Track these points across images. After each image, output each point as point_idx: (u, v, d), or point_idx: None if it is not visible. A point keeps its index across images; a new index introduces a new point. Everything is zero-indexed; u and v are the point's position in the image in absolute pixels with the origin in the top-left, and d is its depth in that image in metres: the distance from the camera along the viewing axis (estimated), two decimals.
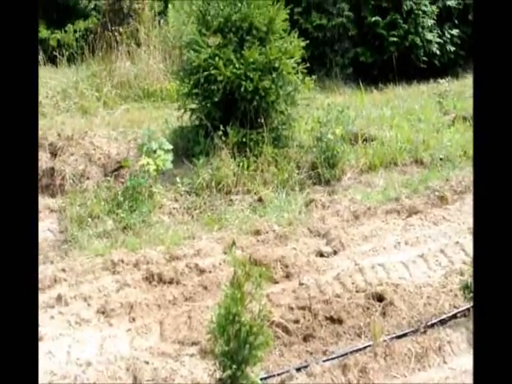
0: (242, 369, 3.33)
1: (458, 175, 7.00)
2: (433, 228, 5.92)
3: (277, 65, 7.26)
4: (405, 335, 4.18)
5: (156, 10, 11.60)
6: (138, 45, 10.85)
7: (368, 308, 4.53)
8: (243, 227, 5.92)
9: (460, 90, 10.43)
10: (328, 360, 3.96)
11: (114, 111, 9.34)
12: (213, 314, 3.37)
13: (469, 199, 6.44)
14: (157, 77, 10.40)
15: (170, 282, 4.92)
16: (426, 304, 4.58)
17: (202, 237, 5.76)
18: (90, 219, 5.99)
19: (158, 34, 11.17)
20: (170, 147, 6.64)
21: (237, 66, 7.07)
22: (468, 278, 4.43)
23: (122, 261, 5.16)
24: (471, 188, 6.59)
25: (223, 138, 7.01)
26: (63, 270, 5.02)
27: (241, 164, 6.87)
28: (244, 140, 7.11)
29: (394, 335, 4.18)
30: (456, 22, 13.05)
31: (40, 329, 4.19)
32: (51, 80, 9.84)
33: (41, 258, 5.30)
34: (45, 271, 4.97)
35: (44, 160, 7.02)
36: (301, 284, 4.95)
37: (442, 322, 4.32)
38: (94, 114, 9.06)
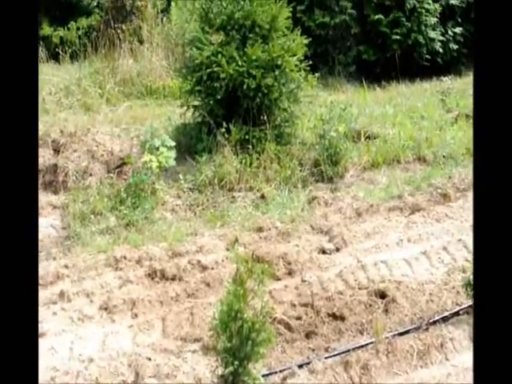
0: (244, 365, 3.33)
1: (461, 173, 6.99)
2: (435, 225, 5.91)
3: (279, 62, 7.26)
4: (407, 332, 4.18)
5: (159, 8, 11.64)
6: (141, 42, 10.88)
7: (370, 305, 4.53)
8: (246, 224, 5.92)
9: (463, 88, 10.41)
10: (330, 357, 3.96)
11: (116, 108, 9.35)
12: (215, 310, 3.38)
13: (471, 197, 6.41)
14: (159, 74, 10.42)
15: (173, 279, 4.92)
16: (428, 301, 4.57)
17: (205, 233, 5.76)
18: (92, 216, 5.99)
19: (161, 32, 11.20)
20: (173, 144, 6.64)
21: (239, 63, 7.07)
22: (470, 275, 4.42)
23: (125, 257, 5.16)
24: None
25: (226, 135, 7.01)
26: (66, 267, 5.03)
27: (243, 161, 6.87)
28: (247, 137, 7.11)
29: (396, 332, 4.18)
30: (459, 20, 13.05)
31: (42, 325, 4.20)
32: (54, 77, 9.87)
33: (43, 254, 5.32)
34: (47, 267, 4.97)
35: (47, 157, 7.04)
36: (303, 281, 4.95)
37: (445, 320, 4.32)
38: (97, 111, 9.08)
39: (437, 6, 12.45)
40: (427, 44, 12.27)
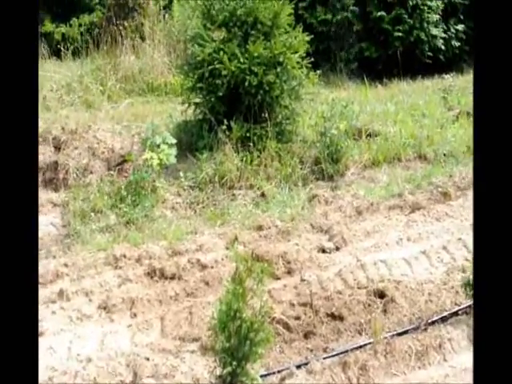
0: (243, 365, 3.33)
1: (462, 171, 6.97)
2: (435, 224, 5.91)
3: (281, 59, 7.24)
4: (406, 332, 4.18)
5: (161, 4, 11.61)
6: (143, 39, 10.87)
7: (369, 305, 4.52)
8: (246, 222, 5.92)
9: (464, 86, 10.36)
10: (328, 357, 3.96)
11: (118, 105, 9.36)
12: (214, 309, 3.37)
13: (472, 195, 6.41)
14: (161, 71, 10.41)
15: (172, 278, 4.92)
16: (427, 301, 4.57)
17: (205, 232, 5.76)
18: (92, 213, 6.00)
19: (163, 28, 11.18)
20: (174, 141, 6.64)
21: (241, 60, 7.06)
22: (470, 275, 4.42)
23: (125, 256, 5.16)
24: None
25: (227, 133, 7.01)
26: (65, 265, 5.03)
27: (244, 159, 6.87)
28: (248, 135, 7.10)
29: (395, 332, 4.18)
30: (461, 17, 13.00)
31: (41, 324, 4.21)
32: (56, 74, 9.86)
33: (43, 252, 5.32)
34: (47, 266, 4.98)
35: (48, 154, 7.05)
36: (302, 280, 4.94)
37: (443, 320, 4.32)
38: (98, 108, 9.08)
39: (439, 2, 12.40)
40: (429, 41, 12.22)
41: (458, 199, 6.42)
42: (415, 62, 12.11)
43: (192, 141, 7.35)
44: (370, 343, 4.02)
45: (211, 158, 6.89)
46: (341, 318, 4.37)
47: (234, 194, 6.57)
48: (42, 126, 7.25)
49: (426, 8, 12.15)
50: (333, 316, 4.39)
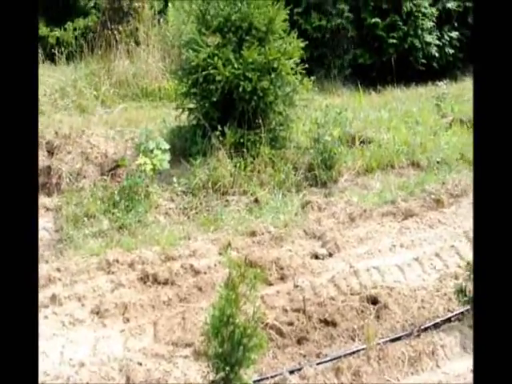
0: (236, 371, 3.33)
1: (455, 178, 6.99)
2: (428, 231, 5.92)
3: (276, 65, 7.25)
4: (398, 339, 4.19)
5: (156, 9, 11.61)
6: (137, 43, 10.86)
7: (362, 311, 4.53)
8: (239, 228, 5.92)
9: (458, 93, 10.43)
10: (321, 363, 3.97)
11: (111, 110, 9.36)
12: (207, 315, 3.37)
13: (465, 203, 6.45)
14: (155, 76, 10.41)
15: (165, 283, 4.91)
16: (420, 307, 4.58)
17: (198, 237, 5.75)
18: (85, 218, 5.99)
19: (158, 33, 11.18)
20: (168, 147, 6.64)
21: (236, 65, 7.07)
22: (462, 281, 4.44)
23: (117, 261, 5.15)
24: (467, 191, 6.60)
25: (221, 138, 7.01)
26: (58, 270, 5.02)
27: (238, 165, 6.87)
28: (241, 140, 7.11)
29: (388, 338, 4.18)
30: (455, 24, 13.04)
31: None
32: (50, 78, 9.84)
33: None
34: (39, 271, 4.95)
35: (41, 158, 7.02)
36: (295, 286, 4.95)
37: (436, 326, 4.33)
38: (92, 113, 9.08)
39: (433, 10, 12.43)
40: (423, 48, 12.26)
41: (451, 206, 6.44)
42: (409, 69, 12.15)
43: (186, 146, 7.35)
44: (363, 349, 4.03)
45: (205, 163, 6.88)
46: (334, 324, 4.38)
47: (227, 200, 6.57)
48: None
49: (420, 15, 12.19)
50: (326, 322, 4.40)
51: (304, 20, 12.07)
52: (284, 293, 4.81)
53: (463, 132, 8.33)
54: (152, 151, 6.49)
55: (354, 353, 4.03)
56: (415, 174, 7.36)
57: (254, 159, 7.02)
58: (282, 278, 5.07)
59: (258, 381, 3.77)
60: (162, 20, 11.49)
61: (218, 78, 7.04)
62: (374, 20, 12.10)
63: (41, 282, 4.79)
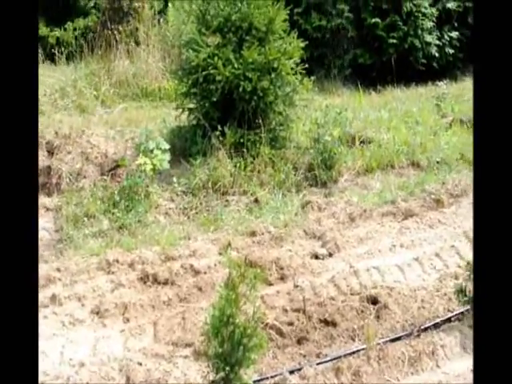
0: (236, 371, 3.33)
1: (455, 178, 6.99)
2: (428, 231, 5.92)
3: (276, 65, 7.25)
4: (398, 339, 4.19)
5: (156, 9, 11.61)
6: (137, 43, 10.86)
7: (362, 311, 4.53)
8: (239, 228, 5.92)
9: (458, 93, 10.43)
10: (321, 363, 3.96)
11: (111, 110, 9.36)
12: (207, 315, 3.37)
13: (465, 202, 6.45)
14: (155, 76, 10.41)
15: (165, 283, 4.91)
16: (420, 307, 4.57)
17: (198, 237, 5.75)
18: (85, 218, 5.99)
19: (158, 33, 11.18)
20: (168, 147, 6.64)
21: (236, 65, 7.07)
22: (462, 281, 4.44)
23: (117, 261, 5.15)
24: (467, 191, 6.60)
25: (221, 139, 7.01)
26: (58, 270, 5.02)
27: (238, 165, 6.87)
28: (241, 140, 7.11)
29: (388, 338, 4.18)
30: (455, 24, 13.04)
31: None
32: (49, 78, 9.84)
33: None
34: (39, 271, 4.95)
35: (41, 158, 7.02)
36: (295, 286, 4.95)
37: (436, 326, 4.33)
38: (92, 113, 9.08)
39: (433, 10, 12.43)
40: (423, 48, 12.25)
41: (451, 206, 6.44)
42: (409, 69, 12.14)
43: (186, 146, 7.35)
44: (363, 349, 4.03)
45: (205, 163, 6.88)
46: (334, 324, 4.37)
47: (227, 200, 6.56)
48: None
49: (420, 15, 12.19)
50: (326, 322, 4.40)
51: (304, 20, 12.07)
52: (284, 293, 4.81)
53: (463, 132, 8.32)
54: (152, 151, 6.49)
55: (354, 353, 4.03)
56: (415, 173, 7.36)
57: (254, 159, 7.02)
58: (282, 278, 5.07)
59: (258, 381, 3.77)
60: (162, 20, 11.49)
61: (218, 77, 7.04)
62: (374, 20, 12.10)
63: (41, 282, 4.79)
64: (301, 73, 7.58)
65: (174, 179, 6.66)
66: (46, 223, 6.08)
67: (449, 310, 4.53)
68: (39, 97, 8.89)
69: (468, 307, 4.36)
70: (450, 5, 12.84)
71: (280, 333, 4.28)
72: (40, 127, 7.47)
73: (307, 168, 7.16)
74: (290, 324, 4.36)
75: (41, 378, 3.78)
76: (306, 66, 7.68)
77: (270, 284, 4.97)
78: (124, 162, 6.93)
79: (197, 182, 6.64)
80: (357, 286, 4.92)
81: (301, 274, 5.12)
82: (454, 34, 12.88)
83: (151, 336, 4.30)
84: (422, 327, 4.29)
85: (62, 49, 10.89)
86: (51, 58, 10.93)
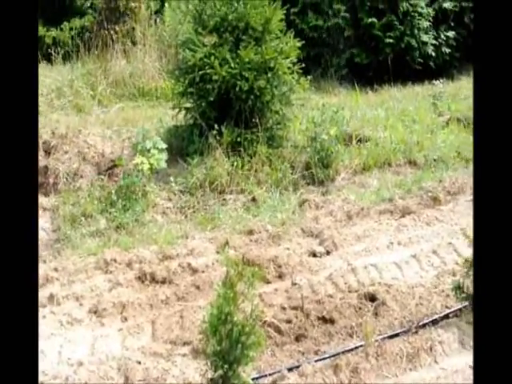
0: (234, 369, 3.33)
1: (452, 176, 7.01)
2: (426, 228, 5.93)
3: (272, 65, 7.26)
4: (397, 335, 4.20)
5: (152, 9, 11.60)
6: (134, 43, 10.84)
7: (360, 308, 4.54)
8: (236, 227, 5.92)
9: (455, 92, 10.45)
10: (320, 360, 3.97)
11: (108, 110, 9.33)
12: (205, 313, 3.37)
13: (462, 200, 6.46)
14: (152, 75, 10.39)
15: (163, 282, 4.92)
16: (417, 304, 4.58)
17: (195, 236, 5.76)
18: (83, 218, 5.99)
19: (154, 33, 11.16)
20: (165, 146, 6.64)
21: (232, 65, 7.07)
22: (460, 278, 4.45)
23: (115, 260, 5.15)
24: (464, 189, 6.61)
25: (218, 138, 7.01)
26: (55, 269, 5.02)
27: (235, 163, 6.87)
28: (238, 139, 7.11)
29: (386, 335, 4.19)
30: (452, 24, 13.05)
31: None
32: (46, 78, 9.82)
33: None
34: None
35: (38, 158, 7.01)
36: (293, 284, 4.95)
37: (434, 323, 4.34)
38: (89, 113, 9.06)
39: (430, 9, 12.45)
40: (420, 48, 12.27)
41: (448, 204, 6.45)
42: (406, 69, 12.15)
43: (183, 146, 7.35)
44: (361, 346, 4.03)
45: (202, 162, 6.88)
46: (332, 322, 4.38)
47: (224, 199, 6.57)
48: None
49: (416, 15, 12.20)
50: (324, 319, 4.40)
51: (300, 20, 12.07)
52: (282, 291, 4.82)
53: (460, 130, 8.34)
54: (149, 150, 6.49)
55: (352, 350, 4.04)
56: (412, 172, 7.37)
57: (251, 158, 7.02)
58: (280, 276, 5.07)
59: (257, 378, 3.77)
60: (158, 20, 11.48)
61: (215, 77, 7.03)
62: (370, 20, 12.10)
63: (38, 281, 4.79)
64: (297, 72, 7.59)
65: (171, 178, 6.66)
66: (43, 223, 6.07)
67: (446, 307, 4.53)
68: None
69: (466, 303, 4.37)
70: (446, 4, 12.85)
71: (278, 330, 4.28)
72: None
73: (304, 166, 7.17)
74: (288, 322, 4.37)
75: (39, 377, 3.77)
76: (303, 65, 7.68)
77: (268, 282, 4.98)
78: (121, 161, 6.93)
79: (194, 181, 6.64)
80: (355, 283, 4.92)
81: (298, 271, 5.13)
82: (451, 34, 12.89)
83: (149, 335, 4.30)
84: (420, 324, 4.30)
85: (59, 49, 10.86)
86: (48, 57, 10.91)
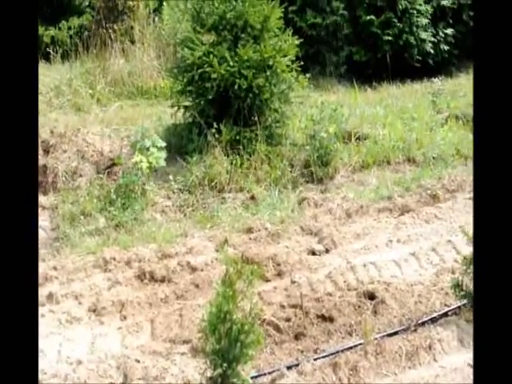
0: (233, 367, 3.33)
1: (451, 174, 7.01)
2: (425, 226, 5.93)
3: (271, 63, 7.25)
4: (396, 333, 4.19)
5: (151, 8, 11.58)
6: (133, 42, 10.83)
7: (359, 306, 4.53)
8: (235, 225, 5.92)
9: (453, 89, 10.45)
10: (319, 358, 3.97)
11: (107, 108, 9.33)
12: (204, 312, 3.37)
13: (461, 198, 6.46)
14: (151, 74, 10.39)
15: (162, 280, 4.91)
16: (417, 302, 4.58)
17: (195, 235, 5.76)
18: (82, 217, 5.99)
19: (153, 32, 11.15)
20: (163, 145, 6.64)
21: (231, 63, 7.07)
22: (459, 276, 4.44)
23: (114, 259, 5.15)
24: (463, 187, 6.61)
25: (216, 136, 7.01)
26: (54, 268, 5.01)
27: (234, 162, 6.87)
28: (237, 138, 7.11)
29: (385, 333, 4.19)
30: (450, 21, 13.07)
31: None
32: (45, 77, 9.80)
33: None
34: None
35: None
36: (292, 282, 4.95)
37: (433, 321, 4.34)
38: (88, 111, 9.06)
39: (428, 7, 12.46)
40: (418, 45, 12.28)
41: (447, 201, 6.44)
42: (404, 66, 12.16)
43: (182, 144, 7.35)
44: (360, 344, 4.03)
45: (201, 161, 6.88)
46: (331, 320, 4.37)
47: (223, 197, 6.57)
48: None
49: (415, 12, 12.21)
50: (323, 317, 4.40)
51: (299, 18, 12.05)
52: (281, 289, 4.82)
53: (459, 128, 8.35)
54: (148, 149, 6.49)
55: (351, 348, 4.03)
56: (411, 169, 7.37)
57: (250, 156, 7.02)
58: (279, 274, 5.07)
59: (256, 377, 3.77)
60: (157, 18, 11.46)
61: (214, 75, 7.03)
62: (369, 17, 12.12)
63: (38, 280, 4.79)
64: (296, 70, 7.59)
65: (171, 177, 6.66)
66: (42, 222, 6.07)
67: (446, 305, 4.53)
68: None
69: (465, 301, 4.37)
70: (444, 2, 12.87)
71: (277, 329, 4.28)
72: None
73: (303, 164, 7.17)
74: (288, 320, 4.36)
75: (38, 376, 3.78)
76: (302, 63, 7.68)
77: (267, 280, 4.97)
78: (120, 160, 6.92)
79: (193, 180, 6.64)
80: (354, 281, 4.92)
81: (298, 270, 5.13)
82: (449, 31, 12.91)
83: (148, 333, 4.30)
84: (419, 322, 4.30)
85: (57, 48, 10.86)
86: (46, 57, 10.89)
